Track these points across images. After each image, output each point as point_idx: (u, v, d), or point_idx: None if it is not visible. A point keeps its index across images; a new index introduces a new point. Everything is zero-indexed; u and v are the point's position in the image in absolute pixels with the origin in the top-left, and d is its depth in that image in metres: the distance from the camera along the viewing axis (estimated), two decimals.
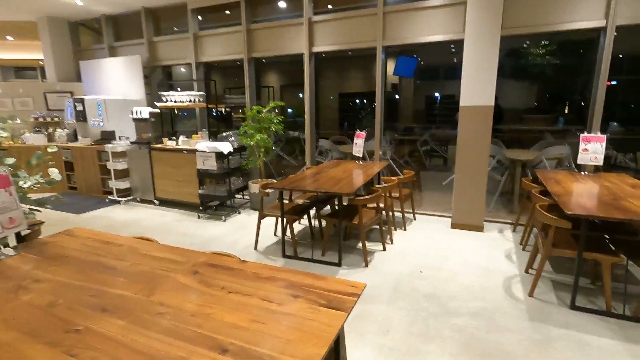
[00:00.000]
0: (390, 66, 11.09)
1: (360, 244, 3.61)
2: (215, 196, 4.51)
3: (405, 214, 4.48)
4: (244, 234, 3.95)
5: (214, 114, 7.93)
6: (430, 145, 8.14)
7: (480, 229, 3.93)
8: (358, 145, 4.47)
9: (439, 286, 2.76)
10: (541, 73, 7.97)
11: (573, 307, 2.43)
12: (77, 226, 2.16)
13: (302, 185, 3.13)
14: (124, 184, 5.35)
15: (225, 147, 4.36)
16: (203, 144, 4.39)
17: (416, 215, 4.49)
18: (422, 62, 11.26)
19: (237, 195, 5.08)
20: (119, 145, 5.24)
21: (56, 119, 6.41)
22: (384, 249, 3.48)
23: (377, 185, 3.44)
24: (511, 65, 8.42)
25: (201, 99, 4.99)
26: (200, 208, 4.76)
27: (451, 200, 4.12)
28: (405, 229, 4.04)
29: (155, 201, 5.19)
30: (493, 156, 4.75)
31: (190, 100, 4.87)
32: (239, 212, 4.74)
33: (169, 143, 4.93)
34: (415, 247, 3.52)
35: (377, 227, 3.74)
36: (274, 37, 5.02)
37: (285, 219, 3.30)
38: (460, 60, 3.72)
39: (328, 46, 4.70)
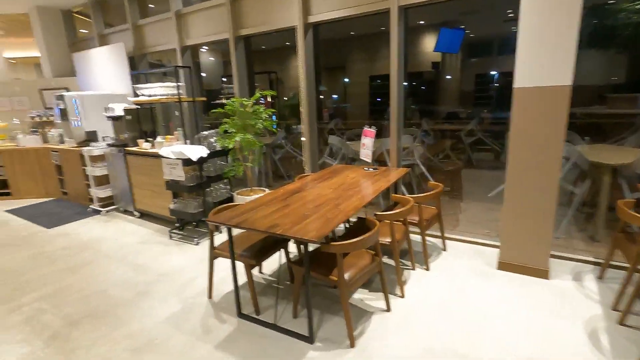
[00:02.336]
0: (431, 41, 9.47)
1: (356, 297, 2.51)
2: (185, 213, 3.63)
3: (433, 240, 3.26)
4: None
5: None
6: (479, 136, 6.59)
7: (543, 274, 2.61)
8: (366, 146, 3.31)
9: None
10: (636, 36, 5.98)
11: None
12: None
13: (253, 220, 2.08)
14: (104, 192, 4.70)
15: (194, 152, 3.44)
16: (167, 148, 3.50)
17: (448, 243, 3.24)
18: (470, 35, 9.45)
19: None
20: (96, 148, 4.57)
21: (52, 118, 5.97)
22: (388, 308, 2.34)
23: (378, 213, 2.29)
24: (590, 28, 6.50)
25: (181, 91, 4.09)
26: (177, 225, 3.93)
27: (500, 220, 2.83)
28: (427, 268, 2.84)
29: (136, 213, 4.48)
30: (567, 158, 3.30)
31: (164, 94, 4.00)
32: (221, 232, 3.84)
33: (145, 145, 4.14)
34: (435, 306, 2.34)
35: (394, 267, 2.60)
36: (263, 8, 3.94)
37: (239, 263, 2.30)
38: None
39: (328, 13, 3.52)
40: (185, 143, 3.93)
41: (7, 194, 5.68)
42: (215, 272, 2.83)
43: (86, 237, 3.90)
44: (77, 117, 4.81)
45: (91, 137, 5.01)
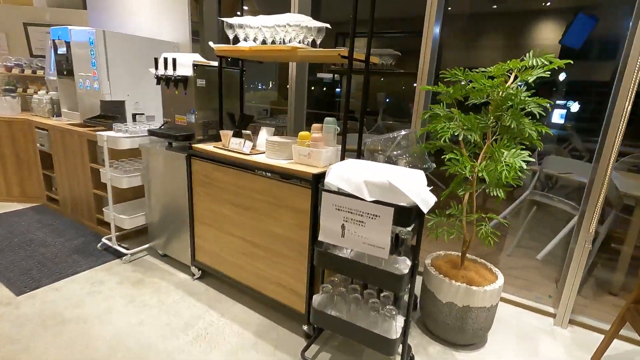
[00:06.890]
0: (553, 31, 7.41)
1: None
2: (362, 331, 1.47)
3: None
4: None
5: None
6: None
7: None
8: None
9: None
10: None
11: None
12: None
13: None
14: (132, 219, 2.50)
15: (417, 189, 1.30)
16: (345, 168, 1.34)
17: None
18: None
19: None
20: (125, 137, 2.36)
21: (40, 72, 3.70)
22: None
23: None
24: None
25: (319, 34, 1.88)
26: (307, 335, 1.80)
27: None
28: None
29: (193, 269, 2.31)
30: None
31: (295, 39, 1.80)
32: None
33: (233, 144, 1.97)
34: None
35: None
36: None
37: None
38: None
39: None
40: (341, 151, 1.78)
41: None
42: None
43: (98, 342, 1.74)
44: (93, 71, 2.57)
45: (111, 110, 2.79)
